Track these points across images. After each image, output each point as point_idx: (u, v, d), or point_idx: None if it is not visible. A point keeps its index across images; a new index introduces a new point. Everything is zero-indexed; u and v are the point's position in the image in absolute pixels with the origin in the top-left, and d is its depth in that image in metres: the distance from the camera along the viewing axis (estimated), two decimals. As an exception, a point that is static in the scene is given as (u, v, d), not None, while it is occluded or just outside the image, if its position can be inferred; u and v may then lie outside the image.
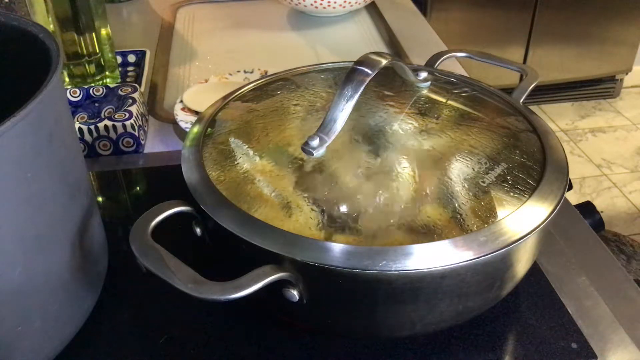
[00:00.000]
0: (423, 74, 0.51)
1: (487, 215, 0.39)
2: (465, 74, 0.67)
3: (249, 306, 0.46)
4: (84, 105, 0.70)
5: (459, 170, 0.42)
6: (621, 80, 2.37)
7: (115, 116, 0.65)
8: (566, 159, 0.44)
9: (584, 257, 0.52)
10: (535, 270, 0.50)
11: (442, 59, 0.59)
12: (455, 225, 0.39)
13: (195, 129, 0.48)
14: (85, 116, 0.67)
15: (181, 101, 0.72)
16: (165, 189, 0.49)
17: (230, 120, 0.49)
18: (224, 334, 0.45)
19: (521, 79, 0.55)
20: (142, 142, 0.68)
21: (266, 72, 0.78)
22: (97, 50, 0.75)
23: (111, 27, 0.77)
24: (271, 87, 0.53)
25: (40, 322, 0.40)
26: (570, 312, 0.46)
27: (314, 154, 0.42)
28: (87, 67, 0.75)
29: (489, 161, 0.43)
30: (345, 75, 0.42)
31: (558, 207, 0.40)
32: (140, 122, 0.68)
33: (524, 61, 2.16)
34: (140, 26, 1.04)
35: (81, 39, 0.73)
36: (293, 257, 0.36)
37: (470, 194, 0.41)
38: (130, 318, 0.47)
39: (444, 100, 0.50)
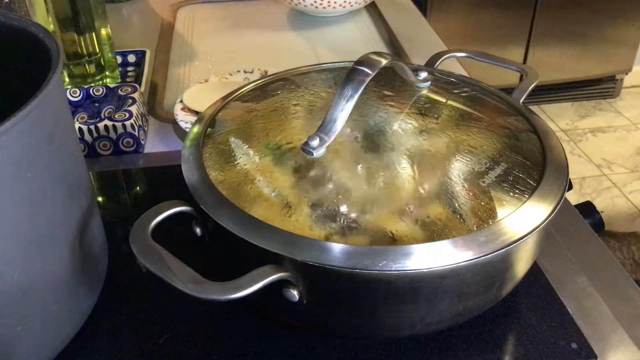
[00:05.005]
0: (423, 74, 0.51)
1: (487, 215, 0.39)
2: (465, 74, 0.67)
3: (249, 306, 0.46)
4: (84, 105, 0.70)
5: (459, 170, 0.42)
6: (621, 80, 2.37)
7: (115, 116, 0.65)
8: (566, 159, 0.44)
9: (584, 257, 0.52)
10: (535, 270, 0.50)
11: (442, 59, 0.59)
12: (455, 225, 0.39)
13: (195, 129, 0.48)
14: (85, 116, 0.67)
15: (181, 101, 0.72)
16: (165, 189, 0.49)
17: (230, 120, 0.49)
18: (223, 334, 0.45)
19: (521, 79, 0.55)
20: (142, 142, 0.68)
21: (266, 72, 0.78)
22: (97, 50, 0.75)
23: (111, 27, 0.77)
24: (271, 87, 0.53)
25: (40, 322, 0.40)
26: (570, 312, 0.46)
27: (314, 154, 0.42)
28: (87, 67, 0.75)
29: (489, 161, 0.43)
30: (345, 75, 0.42)
31: (558, 207, 0.40)
32: (140, 122, 0.68)
33: (524, 61, 2.16)
34: (140, 26, 1.04)
35: (81, 39, 0.73)
36: (293, 257, 0.36)
37: (470, 194, 0.41)
38: (130, 318, 0.47)
39: (444, 100, 0.50)
